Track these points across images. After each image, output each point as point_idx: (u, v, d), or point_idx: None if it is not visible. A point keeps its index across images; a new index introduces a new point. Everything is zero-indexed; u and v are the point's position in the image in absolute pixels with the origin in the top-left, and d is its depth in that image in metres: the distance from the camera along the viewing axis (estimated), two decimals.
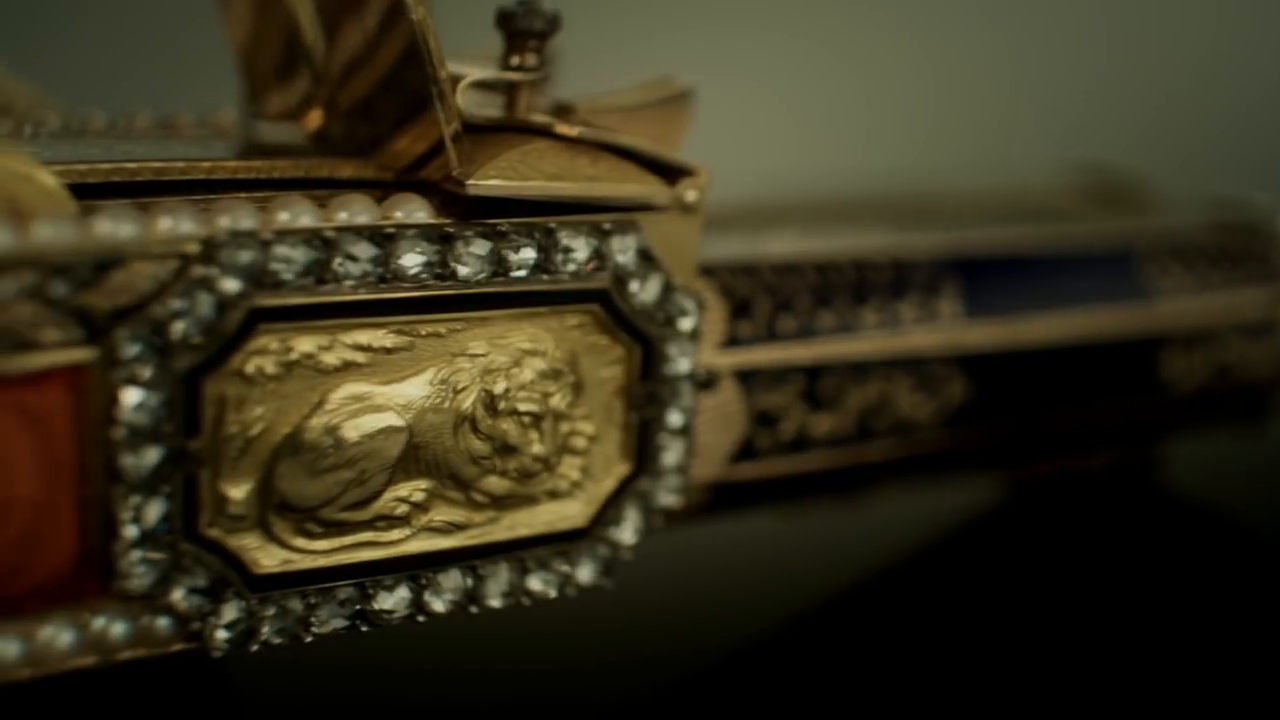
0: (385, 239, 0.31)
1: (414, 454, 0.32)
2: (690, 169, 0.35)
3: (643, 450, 0.35)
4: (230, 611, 0.31)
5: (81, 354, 0.28)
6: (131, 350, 0.28)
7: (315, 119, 0.38)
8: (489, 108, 0.35)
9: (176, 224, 0.29)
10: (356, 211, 0.31)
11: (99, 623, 0.30)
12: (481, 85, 0.35)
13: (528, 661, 0.42)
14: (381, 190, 0.32)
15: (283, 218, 0.30)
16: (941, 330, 0.42)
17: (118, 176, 0.32)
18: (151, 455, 0.29)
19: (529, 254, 0.32)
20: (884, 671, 0.45)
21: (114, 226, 0.29)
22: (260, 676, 0.38)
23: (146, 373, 0.29)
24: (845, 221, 0.45)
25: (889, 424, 0.42)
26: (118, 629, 0.30)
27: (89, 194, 0.30)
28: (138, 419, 0.29)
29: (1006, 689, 0.44)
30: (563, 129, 0.34)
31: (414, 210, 0.31)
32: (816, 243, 0.42)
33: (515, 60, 0.34)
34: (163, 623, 0.30)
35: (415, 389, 0.31)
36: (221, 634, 0.30)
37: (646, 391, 0.34)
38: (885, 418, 0.42)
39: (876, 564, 0.51)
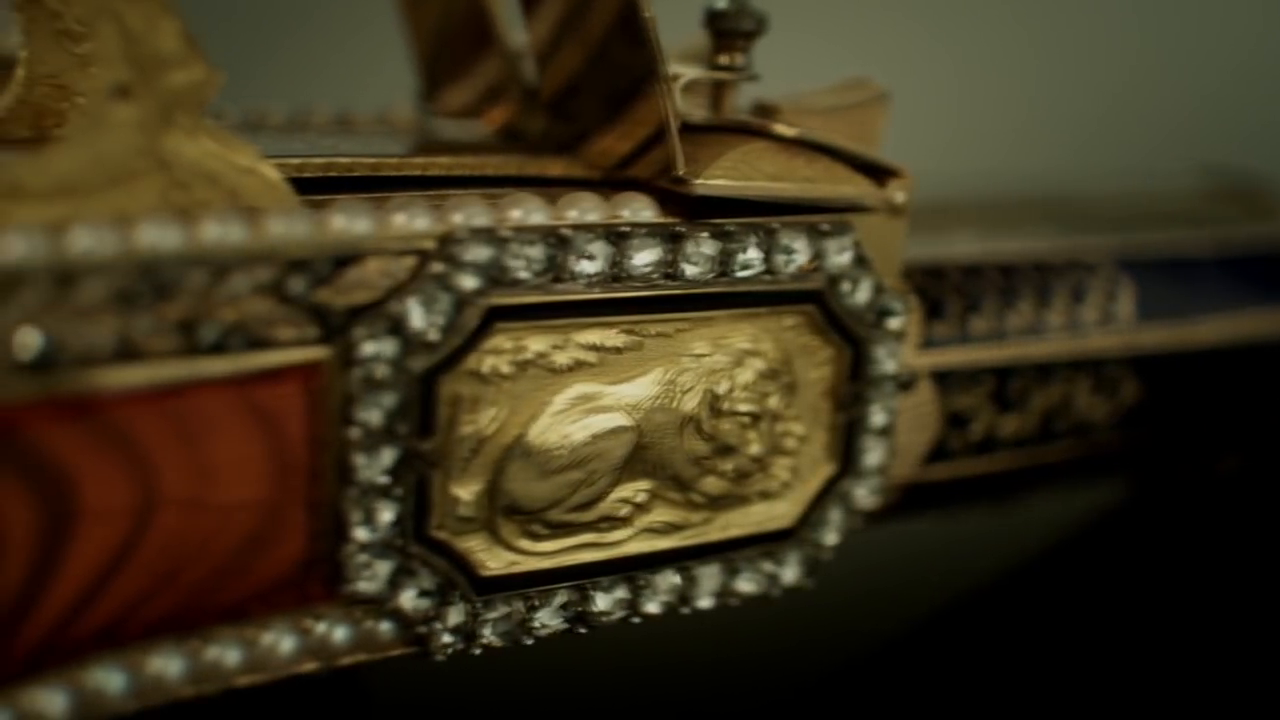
0: (619, 238, 0.28)
1: (639, 455, 0.29)
2: (897, 170, 0.33)
3: (847, 451, 0.33)
4: (455, 615, 0.28)
5: (316, 352, 0.26)
6: (369, 349, 0.26)
7: (497, 116, 0.36)
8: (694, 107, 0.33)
9: (411, 220, 0.27)
10: (586, 209, 0.28)
11: (321, 627, 0.27)
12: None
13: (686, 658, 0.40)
14: (591, 189, 0.30)
15: (515, 215, 0.28)
16: (1119, 332, 0.40)
17: (333, 171, 0.29)
18: (386, 457, 0.27)
19: (753, 255, 0.30)
20: (1033, 667, 0.43)
21: (349, 222, 0.26)
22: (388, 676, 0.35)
23: (384, 372, 0.26)
24: (1016, 223, 0.42)
25: (1069, 425, 0.40)
26: (339, 633, 0.27)
27: (305, 189, 0.27)
28: (373, 420, 0.26)
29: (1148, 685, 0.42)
30: (781, 130, 0.31)
31: (640, 209, 0.29)
32: (998, 245, 0.39)
33: (724, 59, 0.32)
34: (385, 626, 0.28)
35: (642, 389, 0.29)
36: (446, 637, 0.28)
37: (853, 392, 0.32)
38: (1066, 419, 0.40)
39: (1012, 561, 0.48)
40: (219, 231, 0.26)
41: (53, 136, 0.30)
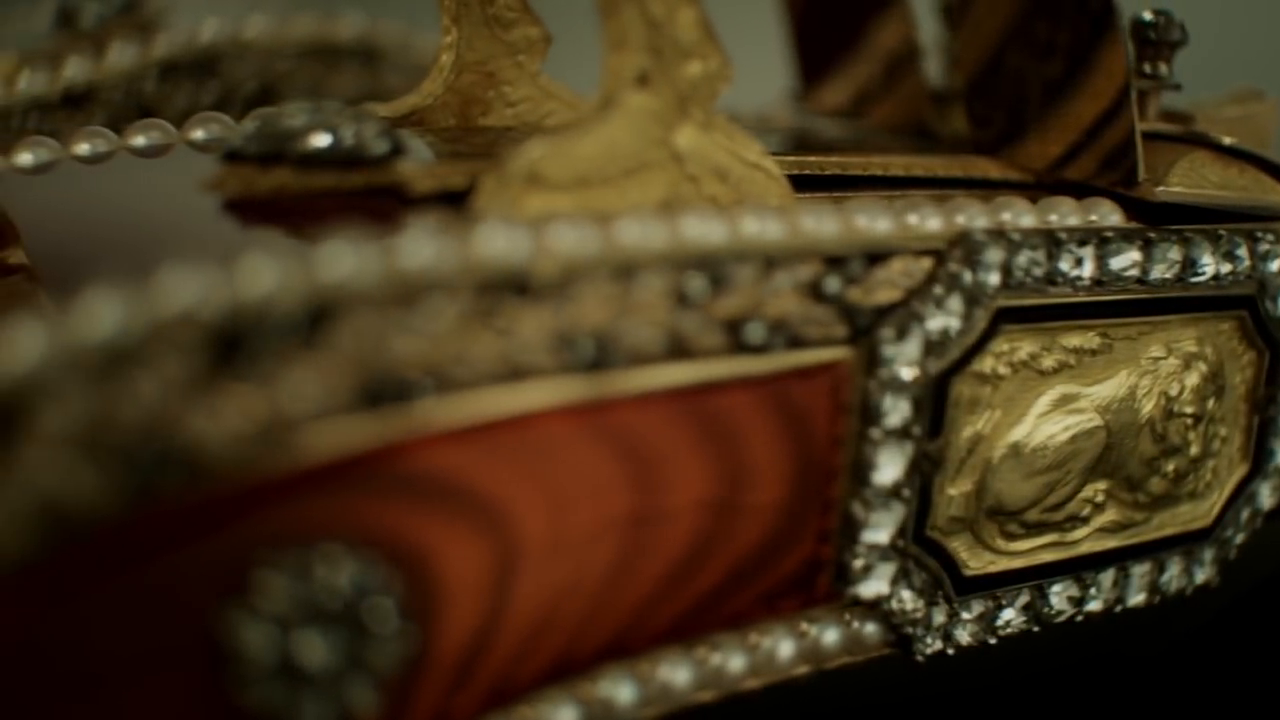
0: (1101, 242, 0.25)
1: (1103, 455, 0.26)
2: None
3: (1259, 452, 0.29)
4: (939, 615, 0.25)
5: (842, 352, 0.22)
6: (893, 350, 0.23)
7: (880, 114, 0.33)
8: None
9: (924, 221, 0.23)
10: (1065, 214, 0.25)
11: (814, 631, 0.24)
12: None
13: None
14: (1029, 192, 0.26)
15: (1005, 217, 0.24)
16: None
17: (807, 170, 0.26)
18: (900, 458, 0.23)
19: (1207, 260, 0.26)
20: None
21: (871, 221, 0.23)
22: None
23: (906, 373, 0.23)
24: None
25: None
26: (830, 636, 0.24)
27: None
28: (892, 420, 0.23)
29: None
30: (1221, 139, 0.28)
31: (1108, 213, 0.25)
32: None
33: (1147, 68, 0.28)
34: (871, 629, 0.24)
35: (1110, 391, 0.26)
36: (929, 638, 0.25)
37: (1269, 395, 0.28)
38: None
39: None
40: (758, 227, 0.21)
41: (529, 129, 0.27)
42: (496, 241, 0.20)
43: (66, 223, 0.24)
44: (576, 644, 0.22)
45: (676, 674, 0.22)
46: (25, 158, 0.25)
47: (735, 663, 0.23)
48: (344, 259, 0.19)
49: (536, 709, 0.22)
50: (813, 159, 0.26)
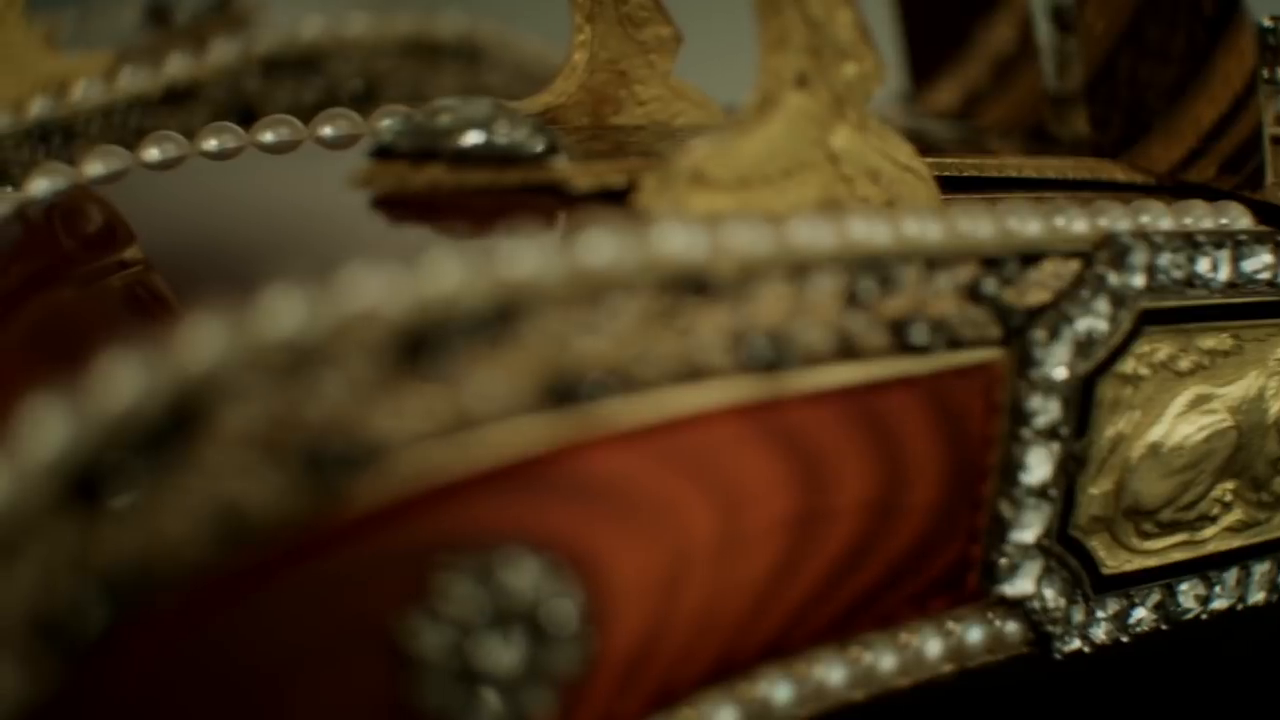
0: (1237, 245, 0.24)
1: (1234, 455, 0.25)
2: None
3: None
4: (1078, 613, 0.24)
5: (995, 353, 0.22)
6: (1045, 351, 0.22)
7: (991, 115, 0.32)
8: None
9: (1070, 223, 0.22)
10: (1199, 216, 0.24)
11: (959, 629, 0.23)
12: None
13: None
14: (1157, 195, 0.26)
15: (1144, 220, 0.23)
16: None
17: (947, 171, 0.25)
18: (1048, 458, 0.22)
19: None
20: None
21: (1022, 223, 0.22)
22: None
23: (1057, 374, 0.22)
24: None
25: None
26: (973, 635, 0.23)
27: None
28: (1043, 421, 0.22)
29: None
30: None
31: (1238, 217, 0.25)
32: None
33: (1265, 73, 0.28)
34: (1012, 627, 0.23)
35: (1240, 392, 0.25)
36: (1068, 636, 0.24)
37: None
38: None
39: None
40: (919, 228, 0.21)
41: (674, 130, 0.26)
42: (676, 240, 0.19)
43: (189, 220, 0.24)
44: (737, 644, 0.21)
45: (831, 673, 0.22)
46: (152, 153, 0.24)
47: (886, 662, 0.22)
48: (528, 256, 0.18)
49: (698, 709, 0.21)
50: (950, 160, 0.25)
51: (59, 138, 0.27)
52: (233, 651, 0.17)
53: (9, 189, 0.27)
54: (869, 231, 0.20)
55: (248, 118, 0.27)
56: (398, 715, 0.18)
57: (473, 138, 0.21)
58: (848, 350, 0.20)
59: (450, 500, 0.18)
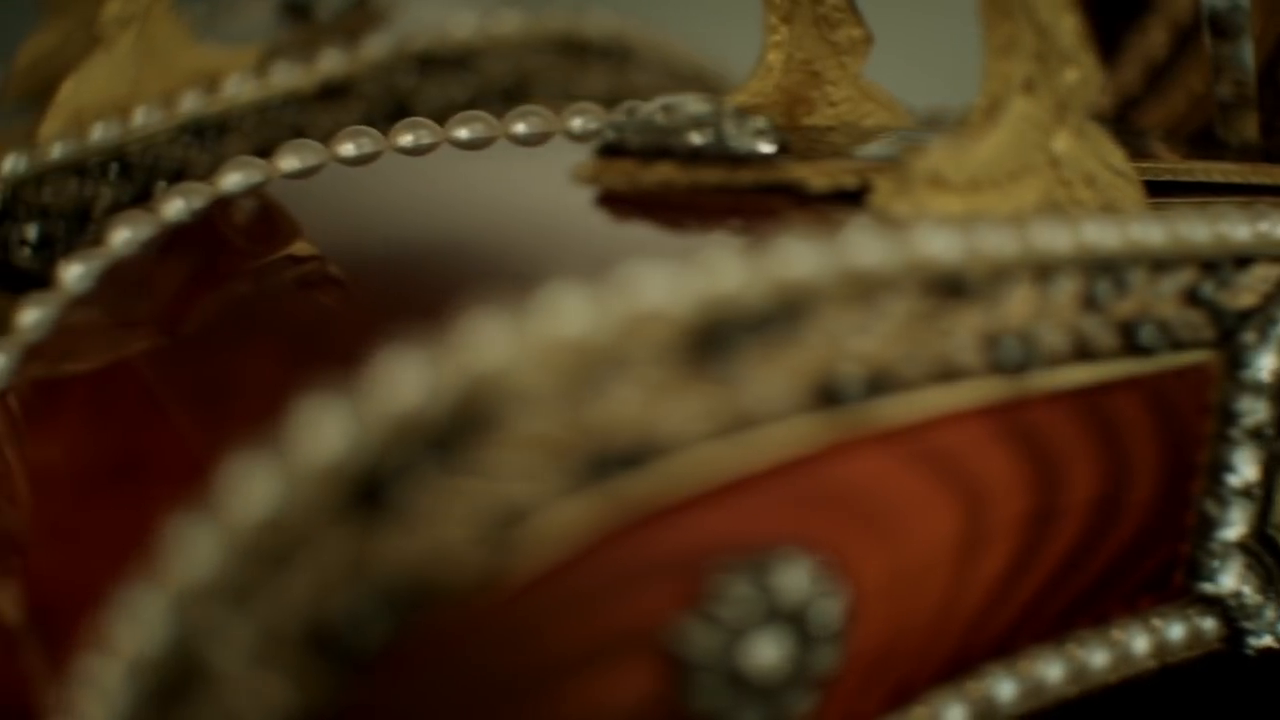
0: None
1: None
2: None
3: None
4: (1271, 611, 0.24)
5: (1208, 354, 0.22)
6: (1255, 354, 0.22)
7: (1146, 119, 0.32)
8: None
9: (1274, 227, 0.22)
10: None
11: (1162, 626, 0.23)
12: None
13: None
14: None
15: None
16: None
17: (1145, 176, 0.24)
18: (1255, 458, 0.22)
19: None
20: None
21: (1232, 228, 0.22)
22: None
23: (1266, 376, 0.22)
24: None
25: None
26: (1174, 632, 0.23)
27: None
28: (1251, 421, 0.22)
29: None
30: None
31: None
32: None
33: None
34: (1209, 624, 0.23)
35: None
36: (1263, 633, 0.24)
37: None
38: None
39: None
40: (1143, 232, 0.21)
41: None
42: (936, 241, 0.19)
43: (403, 218, 0.23)
44: (969, 644, 0.21)
45: (1050, 671, 0.22)
46: (348, 148, 0.24)
47: (1098, 659, 0.22)
48: (807, 256, 0.18)
49: (931, 707, 0.21)
50: (1145, 164, 0.25)
51: (213, 133, 0.27)
52: (506, 660, 0.17)
53: (162, 184, 0.26)
54: (1100, 235, 0.20)
55: (400, 114, 0.26)
56: (666, 717, 0.18)
57: (706, 136, 0.21)
58: (1083, 351, 0.20)
59: (725, 502, 0.18)
